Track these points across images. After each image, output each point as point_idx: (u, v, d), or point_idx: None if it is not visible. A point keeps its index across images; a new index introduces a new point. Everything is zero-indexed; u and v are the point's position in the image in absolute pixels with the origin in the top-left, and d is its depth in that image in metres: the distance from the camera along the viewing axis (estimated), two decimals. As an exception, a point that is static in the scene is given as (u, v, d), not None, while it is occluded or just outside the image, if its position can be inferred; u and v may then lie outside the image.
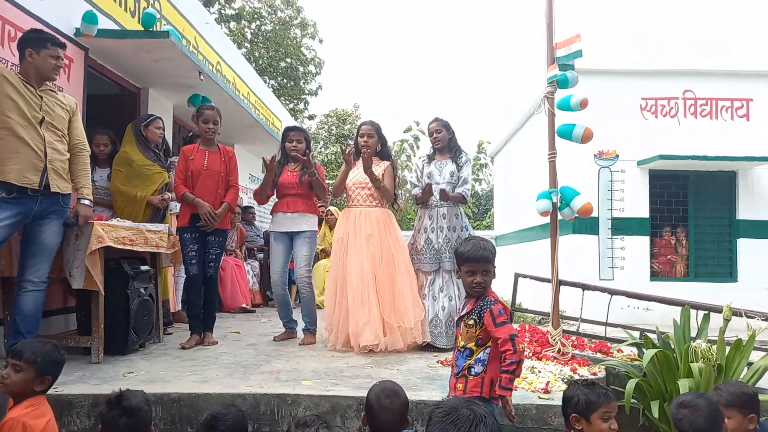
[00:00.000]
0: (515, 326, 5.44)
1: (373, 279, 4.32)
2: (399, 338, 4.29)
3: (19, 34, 3.71)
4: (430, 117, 4.92)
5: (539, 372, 3.60)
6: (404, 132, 19.45)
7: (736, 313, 3.96)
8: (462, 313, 2.61)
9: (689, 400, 2.22)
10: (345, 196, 4.77)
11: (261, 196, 4.79)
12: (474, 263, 2.53)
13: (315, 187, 4.72)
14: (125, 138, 4.84)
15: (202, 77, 5.81)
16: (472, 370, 2.47)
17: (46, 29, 3.82)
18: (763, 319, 4.15)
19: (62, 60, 3.55)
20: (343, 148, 4.72)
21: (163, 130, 5.00)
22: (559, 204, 4.15)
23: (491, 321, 2.43)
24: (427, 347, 4.44)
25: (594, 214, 8.24)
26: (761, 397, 3.44)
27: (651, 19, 8.42)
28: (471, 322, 2.52)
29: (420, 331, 4.36)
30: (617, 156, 8.33)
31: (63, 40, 3.66)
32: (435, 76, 64.19)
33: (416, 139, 19.14)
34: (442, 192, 4.51)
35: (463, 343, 2.55)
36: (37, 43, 3.44)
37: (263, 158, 4.74)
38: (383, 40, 62.31)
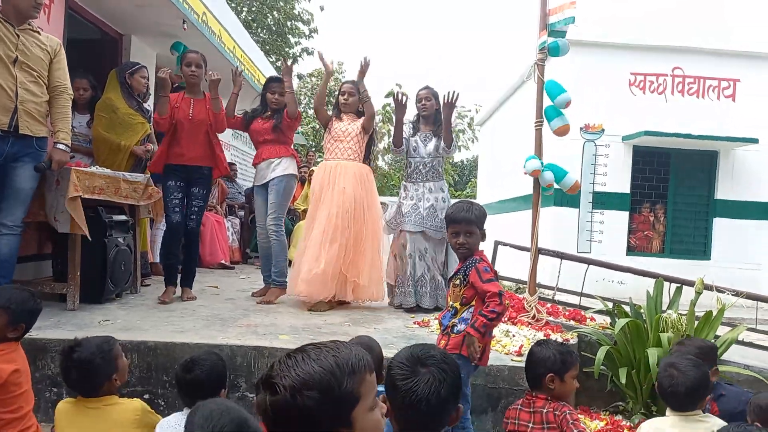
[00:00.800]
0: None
1: (336, 230, 4.32)
2: (349, 292, 4.39)
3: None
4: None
5: (513, 336, 3.66)
6: (385, 97, 19.28)
7: (708, 287, 4.05)
8: (451, 275, 2.65)
9: (680, 363, 2.22)
10: (324, 151, 4.72)
11: (228, 116, 4.61)
12: (456, 224, 2.56)
13: (288, 102, 4.64)
14: (108, 84, 4.70)
15: (185, 26, 5.66)
16: (455, 328, 2.50)
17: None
18: (732, 295, 4.25)
19: None
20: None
21: (148, 79, 4.86)
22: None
23: (477, 278, 2.45)
24: (416, 308, 4.50)
25: (576, 186, 8.32)
26: (725, 368, 3.56)
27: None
28: (457, 281, 2.56)
29: (377, 289, 4.50)
30: (603, 130, 8.36)
31: (43, -23, 3.52)
32: (434, 58, 63.39)
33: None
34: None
35: (451, 302, 2.60)
36: None
37: (231, 69, 4.75)
38: (382, 22, 61.10)
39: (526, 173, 4.26)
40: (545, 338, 3.69)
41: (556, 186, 4.27)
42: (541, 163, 4.16)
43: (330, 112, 4.83)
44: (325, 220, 4.35)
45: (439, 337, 2.62)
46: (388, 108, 19.30)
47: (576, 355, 2.26)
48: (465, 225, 2.54)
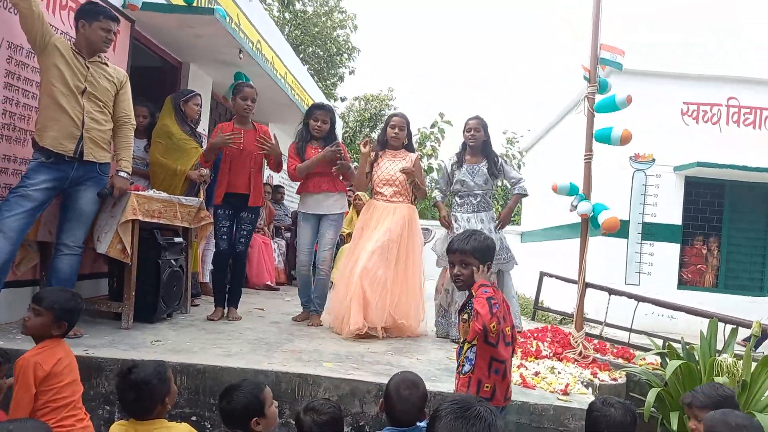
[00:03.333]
0: (538, 325, 5.43)
1: (380, 274, 4.35)
2: (392, 328, 4.45)
3: (72, 4, 3.78)
4: (465, 110, 4.90)
5: (559, 373, 3.59)
6: (431, 127, 19.37)
7: (766, 329, 3.89)
8: (459, 307, 2.59)
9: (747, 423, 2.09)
10: (373, 189, 4.76)
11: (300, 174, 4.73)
12: (452, 254, 2.49)
13: (345, 176, 4.75)
14: (164, 110, 4.91)
15: (241, 55, 5.85)
16: (463, 368, 2.42)
17: (98, 1, 3.88)
18: (793, 338, 4.07)
19: (113, 33, 3.62)
20: (365, 140, 4.64)
21: (200, 106, 5.06)
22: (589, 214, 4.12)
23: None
24: (447, 337, 4.51)
25: (625, 217, 8.15)
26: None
27: (697, 24, 8.20)
28: (466, 316, 2.47)
29: (418, 322, 4.59)
30: (653, 160, 8.18)
31: (114, 12, 3.73)
32: (437, 57, 63.14)
33: (442, 131, 19.09)
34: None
35: (461, 338, 2.52)
36: (90, 15, 3.52)
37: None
38: (385, 19, 61.11)
39: (573, 211, 4.19)
40: (598, 381, 3.61)
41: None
42: (593, 208, 4.07)
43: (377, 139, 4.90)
44: (371, 257, 4.38)
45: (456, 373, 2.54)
46: (432, 136, 19.41)
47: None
48: (459, 255, 2.44)
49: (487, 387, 2.35)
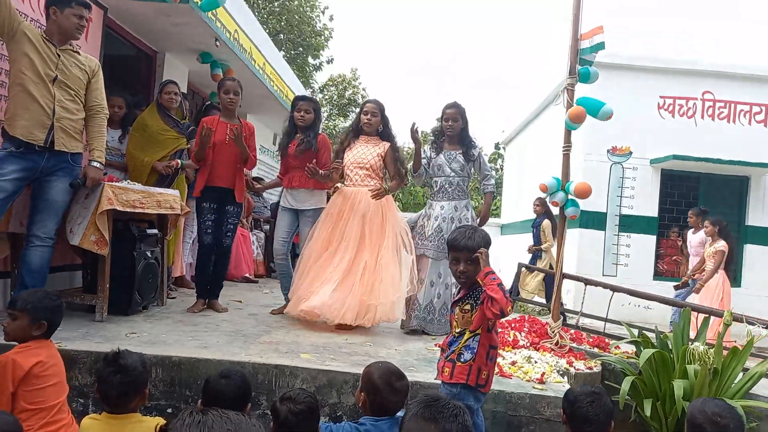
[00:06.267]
0: (515, 315, 5.48)
1: (352, 257, 4.29)
2: (369, 316, 4.22)
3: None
4: (445, 100, 4.85)
5: (536, 362, 3.62)
6: (437, 120, 19.42)
7: (737, 318, 3.97)
8: (456, 298, 2.60)
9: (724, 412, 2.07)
10: (344, 174, 4.67)
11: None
12: (457, 251, 2.49)
13: (320, 184, 4.67)
14: (150, 105, 4.88)
15: (217, 44, 5.79)
16: (462, 356, 2.44)
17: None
18: (763, 327, 4.16)
19: (86, 20, 3.55)
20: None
21: (177, 94, 4.94)
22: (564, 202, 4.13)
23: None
24: (422, 333, 4.45)
25: (602, 209, 8.24)
26: (753, 404, 3.48)
27: (675, 18, 8.29)
28: (467, 306, 2.49)
29: (393, 307, 4.27)
30: (630, 153, 8.28)
31: (86, -1, 3.65)
32: (444, 55, 63.35)
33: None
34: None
35: (458, 328, 2.54)
36: (62, 1, 3.43)
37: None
38: (389, 15, 60.99)
39: (548, 199, 4.21)
40: (574, 370, 3.65)
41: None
42: (568, 201, 4.10)
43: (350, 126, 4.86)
44: (340, 249, 4.33)
45: (441, 363, 2.55)
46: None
47: None
48: (467, 253, 2.45)
49: (484, 374, 2.42)
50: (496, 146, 20.25)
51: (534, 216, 8.19)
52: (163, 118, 4.79)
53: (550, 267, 7.41)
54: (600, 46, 4.00)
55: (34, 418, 2.21)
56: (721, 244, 6.22)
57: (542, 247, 7.81)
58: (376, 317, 4.26)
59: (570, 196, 4.08)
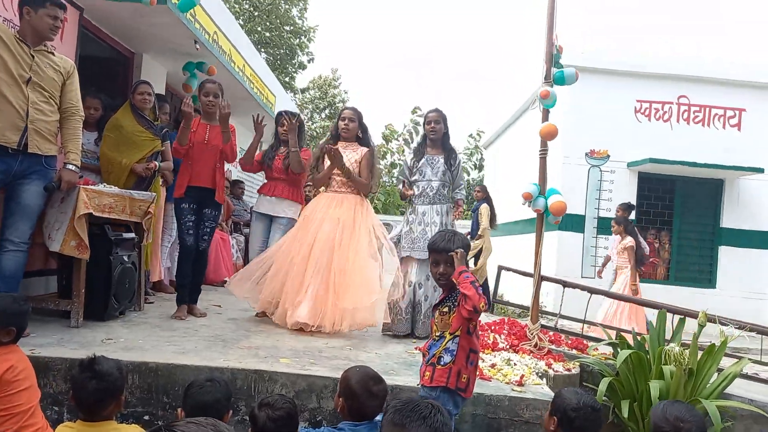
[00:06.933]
0: (495, 318, 5.51)
1: (325, 262, 4.27)
2: (345, 323, 4.21)
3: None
4: (425, 98, 4.92)
5: (515, 364, 3.65)
6: (411, 113, 19.50)
7: (711, 319, 4.03)
8: (435, 302, 2.64)
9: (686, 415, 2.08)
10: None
11: (246, 163, 4.91)
12: (437, 254, 2.57)
13: (291, 161, 4.69)
14: (123, 105, 4.78)
15: (197, 46, 5.74)
16: (441, 360, 2.46)
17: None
18: (736, 327, 4.23)
19: (60, 20, 3.48)
20: (328, 147, 4.54)
21: (151, 95, 4.79)
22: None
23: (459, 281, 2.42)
24: (410, 335, 4.46)
25: (581, 212, 8.34)
26: (728, 403, 3.54)
27: (651, 23, 8.45)
28: (445, 309, 2.54)
29: (372, 311, 4.27)
30: (608, 156, 8.39)
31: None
32: (424, 48, 63.59)
33: (416, 125, 19.30)
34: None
35: (437, 332, 2.57)
36: (36, 1, 3.37)
37: (252, 116, 4.77)
38: (372, 7, 61.12)
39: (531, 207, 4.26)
40: (553, 372, 3.68)
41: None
42: (538, 192, 4.16)
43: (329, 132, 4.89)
44: (314, 249, 4.31)
45: (423, 368, 2.56)
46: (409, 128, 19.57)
47: None
48: (446, 255, 2.53)
49: (464, 378, 2.45)
50: (473, 138, 20.38)
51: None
52: (137, 119, 4.69)
53: (481, 250, 8.11)
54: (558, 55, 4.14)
55: (8, 423, 2.19)
56: (629, 240, 6.70)
57: (480, 230, 8.34)
58: (355, 322, 4.26)
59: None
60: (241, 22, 21.07)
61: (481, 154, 20.88)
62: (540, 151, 4.26)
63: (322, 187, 4.67)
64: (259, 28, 21.45)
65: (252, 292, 4.52)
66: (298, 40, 22.95)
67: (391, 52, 60.45)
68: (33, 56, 3.40)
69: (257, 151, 4.97)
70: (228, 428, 1.08)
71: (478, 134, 20.57)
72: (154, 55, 6.18)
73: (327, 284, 4.23)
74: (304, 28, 23.14)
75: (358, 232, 4.41)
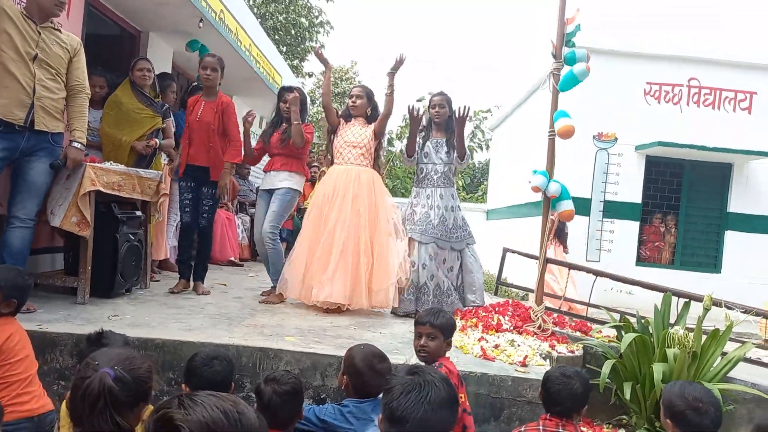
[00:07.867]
0: (500, 300, 5.52)
1: (351, 239, 4.32)
2: (364, 299, 4.29)
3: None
4: (435, 88, 4.91)
5: (518, 346, 3.65)
6: (417, 101, 19.36)
7: (717, 303, 4.02)
8: None
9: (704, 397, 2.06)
10: (334, 154, 4.73)
11: (248, 157, 4.92)
12: (421, 326, 2.58)
13: (293, 134, 4.64)
14: (123, 82, 4.74)
15: (200, 25, 5.70)
16: None
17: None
18: (742, 311, 4.22)
19: None
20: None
21: (150, 71, 4.74)
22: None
23: None
24: (415, 313, 4.48)
25: (587, 195, 8.30)
26: (731, 386, 3.55)
27: (662, 4, 8.31)
28: None
29: (386, 294, 4.34)
30: (616, 139, 8.33)
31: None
32: (441, 42, 63.11)
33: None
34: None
35: None
36: None
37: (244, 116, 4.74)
38: (388, 5, 60.72)
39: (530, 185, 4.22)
40: (556, 353, 3.68)
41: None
42: (547, 179, 4.10)
43: (339, 113, 4.87)
44: (338, 229, 4.34)
45: None
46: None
47: None
48: (429, 328, 2.54)
49: None
50: (474, 115, 20.12)
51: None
52: (137, 96, 4.65)
53: None
54: (577, 28, 4.02)
55: (6, 390, 2.25)
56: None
57: None
58: (372, 302, 4.35)
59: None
60: (255, 9, 20.87)
61: (483, 134, 20.68)
62: (549, 132, 4.22)
63: (335, 159, 4.67)
64: (273, 14, 21.23)
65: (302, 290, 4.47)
66: (310, 24, 22.75)
67: (406, 51, 60.08)
68: (39, 33, 3.39)
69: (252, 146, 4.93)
70: (246, 406, 1.10)
71: (476, 114, 20.30)
72: (161, 34, 6.14)
73: (357, 265, 4.28)
74: (318, 21, 22.95)
75: (378, 213, 4.47)
